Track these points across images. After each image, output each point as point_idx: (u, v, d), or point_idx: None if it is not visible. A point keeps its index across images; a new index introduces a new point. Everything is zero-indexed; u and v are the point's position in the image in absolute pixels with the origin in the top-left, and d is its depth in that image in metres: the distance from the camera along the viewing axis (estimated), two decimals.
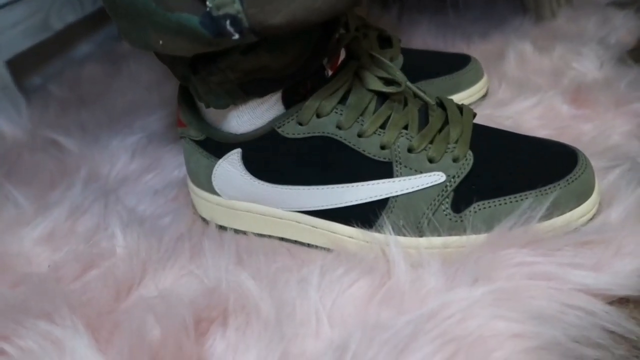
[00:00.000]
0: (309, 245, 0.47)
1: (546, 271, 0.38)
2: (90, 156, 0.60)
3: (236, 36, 0.36)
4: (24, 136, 0.66)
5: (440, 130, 0.43)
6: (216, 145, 0.46)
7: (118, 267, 0.44)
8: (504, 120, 0.58)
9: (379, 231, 0.43)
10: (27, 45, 0.75)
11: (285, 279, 0.41)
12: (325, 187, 0.44)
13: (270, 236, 0.48)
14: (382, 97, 0.43)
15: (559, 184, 0.41)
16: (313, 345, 0.37)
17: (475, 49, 0.73)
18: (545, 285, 0.38)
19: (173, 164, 0.58)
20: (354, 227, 0.44)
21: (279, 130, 0.43)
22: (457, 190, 0.42)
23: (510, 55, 0.68)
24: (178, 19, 0.36)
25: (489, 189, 0.42)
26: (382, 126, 0.42)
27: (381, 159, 0.42)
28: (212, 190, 0.48)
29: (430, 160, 0.42)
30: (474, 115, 0.46)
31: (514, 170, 0.42)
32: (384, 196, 0.42)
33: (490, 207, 0.41)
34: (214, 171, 0.47)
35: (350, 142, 0.42)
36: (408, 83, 0.44)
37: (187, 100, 0.47)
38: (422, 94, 0.45)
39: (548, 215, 0.41)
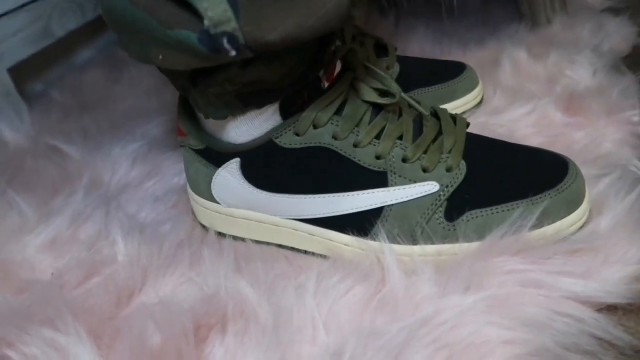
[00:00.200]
0: (306, 252, 0.48)
1: (537, 279, 0.39)
2: (93, 163, 0.60)
3: (233, 53, 0.37)
4: (26, 143, 0.66)
5: (434, 141, 0.44)
6: (216, 155, 0.47)
7: (119, 274, 0.44)
8: (498, 128, 0.58)
9: (374, 239, 0.44)
10: (29, 53, 0.75)
11: (283, 285, 0.42)
12: (321, 196, 0.44)
13: (268, 243, 0.49)
14: (378, 108, 0.44)
15: (549, 194, 0.42)
16: (309, 351, 0.38)
17: (471, 56, 0.74)
18: (536, 292, 0.38)
19: (173, 172, 0.59)
20: (350, 235, 0.45)
21: (277, 141, 0.44)
22: (450, 199, 0.43)
23: (506, 63, 0.69)
24: (177, 36, 0.37)
25: (481, 199, 0.42)
26: (378, 137, 0.43)
27: (376, 169, 0.43)
28: (212, 198, 0.49)
29: (425, 170, 0.43)
30: (468, 125, 0.47)
31: (506, 180, 0.43)
32: (379, 205, 0.43)
33: (482, 216, 0.42)
34: (213, 180, 0.48)
35: (346, 153, 0.43)
36: (402, 94, 0.45)
37: (187, 111, 0.48)
38: (416, 104, 0.45)
39: (539, 224, 0.41)
